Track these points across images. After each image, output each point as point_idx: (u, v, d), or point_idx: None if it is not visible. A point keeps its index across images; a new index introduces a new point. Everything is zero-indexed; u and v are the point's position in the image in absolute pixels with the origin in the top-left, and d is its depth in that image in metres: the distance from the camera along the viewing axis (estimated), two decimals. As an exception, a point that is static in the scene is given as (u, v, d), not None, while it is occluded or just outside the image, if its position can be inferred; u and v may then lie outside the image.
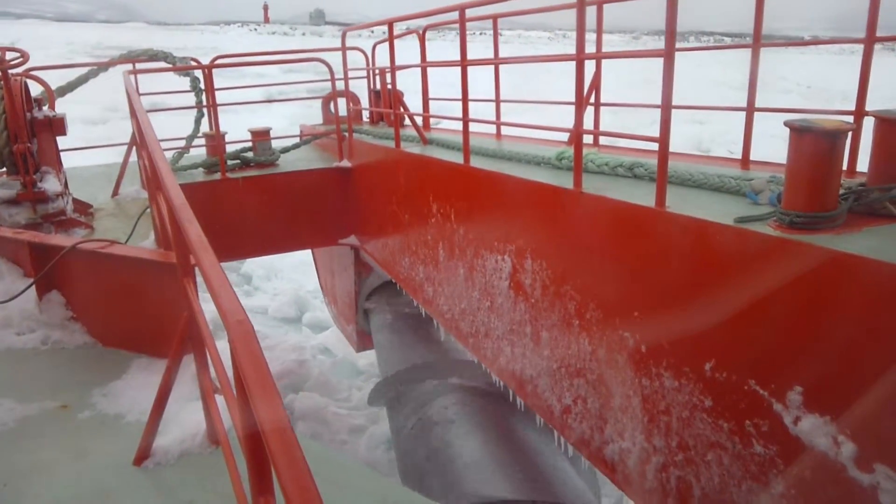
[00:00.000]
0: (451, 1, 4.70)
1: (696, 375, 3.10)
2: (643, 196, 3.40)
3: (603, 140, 5.36)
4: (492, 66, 5.58)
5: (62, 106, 7.60)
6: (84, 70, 8.74)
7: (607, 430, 3.81)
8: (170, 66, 8.47)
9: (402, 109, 7.07)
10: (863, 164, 3.27)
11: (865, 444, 2.39)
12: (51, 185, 6.18)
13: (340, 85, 7.99)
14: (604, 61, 4.97)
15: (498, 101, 6.24)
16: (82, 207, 6.91)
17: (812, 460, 2.57)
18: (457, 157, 5.25)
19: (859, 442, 2.40)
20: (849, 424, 2.44)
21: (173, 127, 8.30)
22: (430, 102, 6.98)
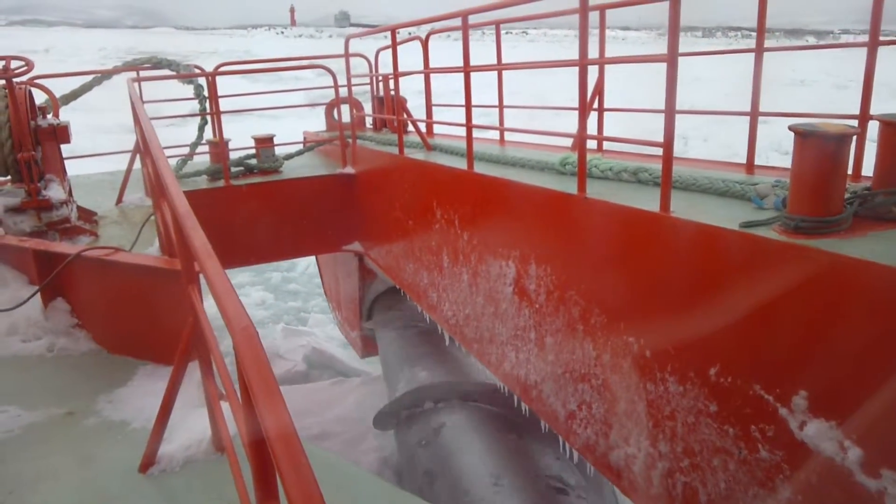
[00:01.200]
0: (455, 6, 4.71)
1: (700, 380, 3.09)
2: (648, 201, 3.40)
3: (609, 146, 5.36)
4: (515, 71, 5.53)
5: (85, 114, 7.60)
6: (88, 78, 8.78)
7: (612, 435, 3.80)
8: (174, 73, 8.50)
9: (405, 116, 7.08)
10: (868, 169, 3.26)
11: (872, 450, 2.38)
12: (55, 192, 6.20)
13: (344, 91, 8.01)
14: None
15: (501, 106, 6.25)
16: (87, 215, 6.93)
17: (818, 465, 2.56)
18: (461, 163, 5.26)
19: (866, 447, 2.39)
20: (855, 429, 2.43)
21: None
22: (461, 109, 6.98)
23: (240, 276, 14.14)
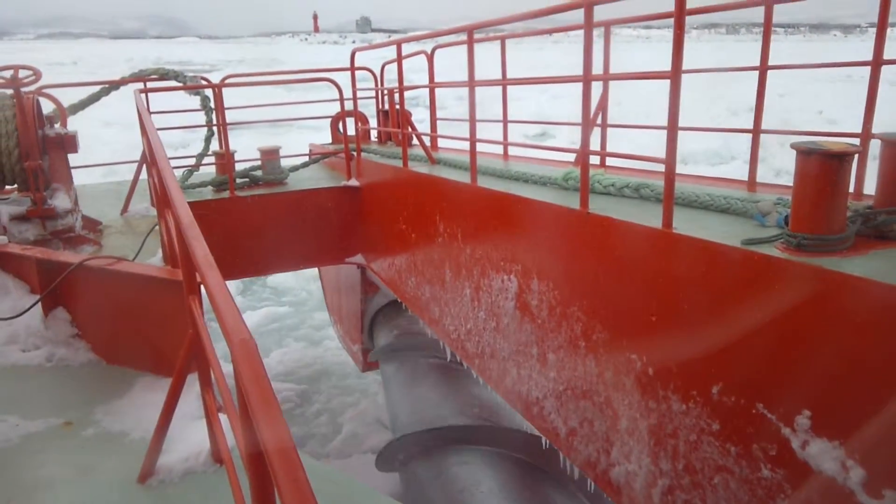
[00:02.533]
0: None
1: (703, 398, 3.08)
2: (650, 217, 3.40)
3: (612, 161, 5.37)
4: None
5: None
6: (96, 88, 8.84)
7: (614, 452, 3.78)
8: (181, 84, 8.55)
9: (410, 129, 7.11)
10: (870, 188, 3.26)
11: (874, 470, 2.36)
12: (61, 201, 6.23)
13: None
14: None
15: (505, 121, 6.27)
16: (91, 224, 6.95)
17: (820, 485, 2.54)
18: (464, 177, 5.27)
19: (868, 467, 2.37)
20: (858, 449, 2.41)
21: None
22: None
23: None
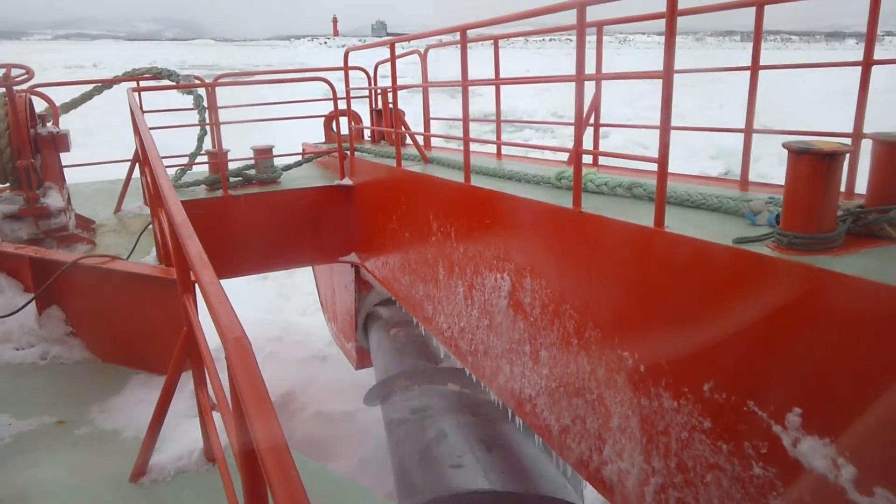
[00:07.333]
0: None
1: (694, 396, 3.09)
2: (642, 216, 3.41)
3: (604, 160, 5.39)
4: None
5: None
6: (89, 87, 8.82)
7: (606, 450, 3.80)
8: (174, 83, 8.54)
9: (402, 128, 7.11)
10: (861, 187, 3.28)
11: (865, 467, 2.38)
12: (53, 200, 6.22)
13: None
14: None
15: (499, 121, 6.28)
16: (85, 223, 6.94)
17: (811, 483, 2.56)
18: (457, 176, 5.28)
19: (859, 464, 2.39)
20: (848, 447, 2.43)
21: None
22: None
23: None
